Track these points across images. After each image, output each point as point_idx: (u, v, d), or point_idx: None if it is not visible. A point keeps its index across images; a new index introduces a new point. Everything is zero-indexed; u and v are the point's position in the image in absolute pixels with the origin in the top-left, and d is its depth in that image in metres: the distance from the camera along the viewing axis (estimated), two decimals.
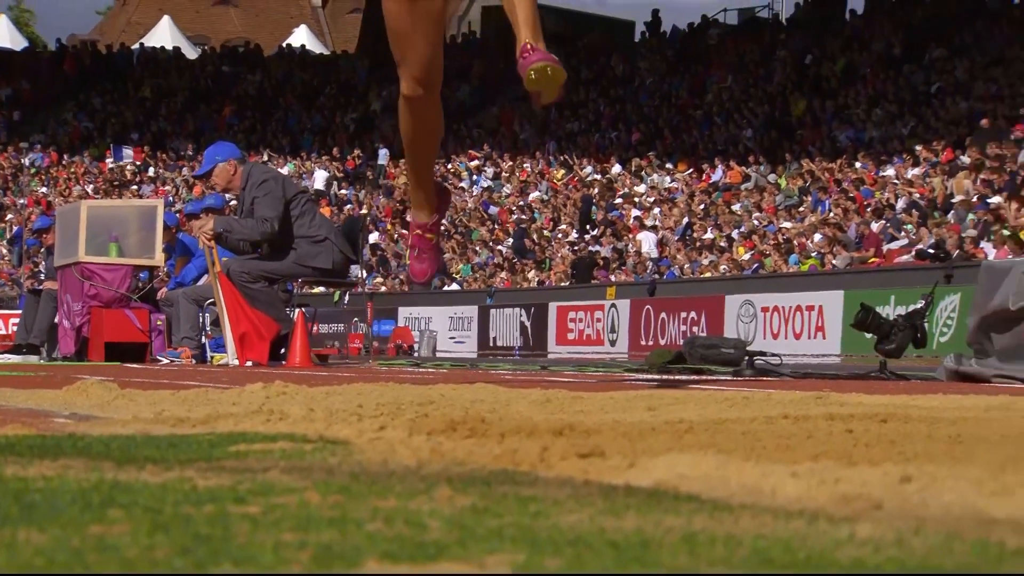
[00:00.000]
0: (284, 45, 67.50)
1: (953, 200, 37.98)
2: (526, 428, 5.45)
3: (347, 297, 40.39)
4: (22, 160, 53.56)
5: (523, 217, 48.35)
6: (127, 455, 4.62)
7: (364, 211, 49.00)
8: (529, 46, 8.44)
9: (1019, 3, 48.61)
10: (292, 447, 4.87)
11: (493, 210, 49.07)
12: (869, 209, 40.14)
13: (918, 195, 39.18)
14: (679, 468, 4.08)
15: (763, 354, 20.72)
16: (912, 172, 40.64)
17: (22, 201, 51.18)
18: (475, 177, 50.67)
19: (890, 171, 41.31)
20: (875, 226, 39.10)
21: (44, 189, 51.04)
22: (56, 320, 24.72)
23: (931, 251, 35.79)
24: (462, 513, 3.00)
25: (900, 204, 39.28)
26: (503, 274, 46.17)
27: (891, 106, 44.61)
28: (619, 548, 2.55)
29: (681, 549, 2.52)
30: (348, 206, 46.45)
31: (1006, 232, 34.75)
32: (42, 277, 34.00)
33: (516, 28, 8.66)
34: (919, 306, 21.49)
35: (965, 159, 39.27)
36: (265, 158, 48.56)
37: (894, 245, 37.88)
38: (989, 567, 2.41)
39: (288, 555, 2.40)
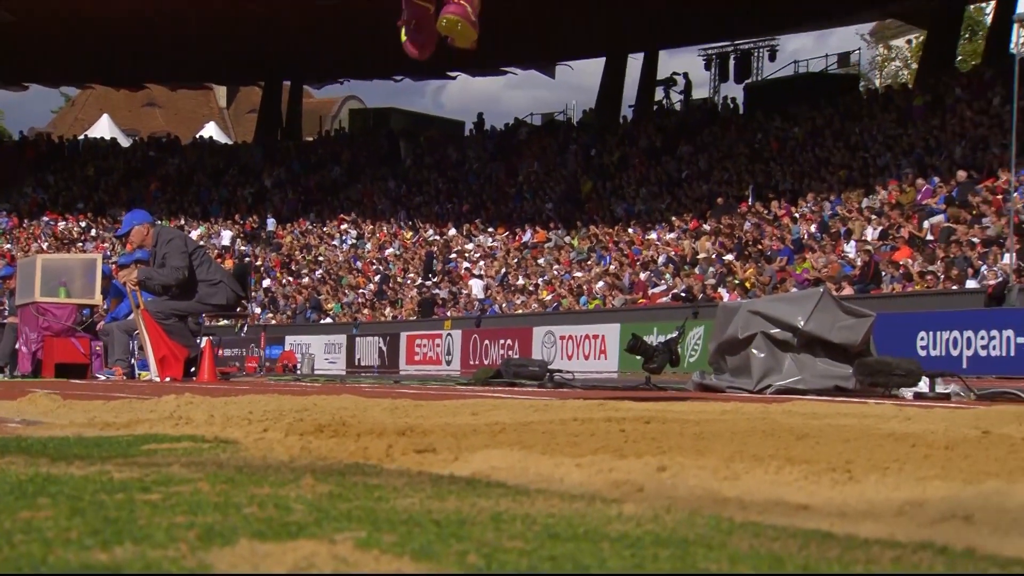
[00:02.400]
0: (197, 136, 66.82)
1: (698, 257, 38.23)
2: (377, 430, 5.42)
3: (245, 328, 40.28)
4: None
5: (380, 268, 48.25)
6: (60, 453, 4.54)
7: (259, 262, 48.61)
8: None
9: (743, 113, 49.35)
10: (192, 446, 4.81)
11: (358, 263, 48.97)
12: (638, 263, 40.35)
13: (673, 253, 39.38)
14: (492, 461, 4.05)
15: (560, 371, 20.76)
16: (669, 236, 40.83)
17: None
18: (344, 237, 50.59)
19: (653, 235, 41.48)
20: (643, 275, 39.28)
21: (8, 245, 50.43)
22: (16, 346, 24.66)
23: (683, 294, 36.05)
24: (321, 498, 2.96)
25: (661, 259, 39.51)
26: (365, 310, 46.03)
27: (653, 187, 44.83)
28: (440, 525, 2.52)
29: (489, 525, 2.49)
30: (247, 258, 46.13)
31: (736, 281, 35.13)
32: (6, 313, 33.56)
33: None
34: (674, 335, 21.58)
35: (706, 227, 39.57)
36: (182, 222, 48.17)
37: (656, 290, 38.06)
38: (720, 537, 2.42)
39: (178, 534, 2.34)
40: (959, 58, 45.17)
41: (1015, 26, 40.18)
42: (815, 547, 2.26)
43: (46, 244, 49.47)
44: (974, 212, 32.31)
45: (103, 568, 1.98)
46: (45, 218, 53.87)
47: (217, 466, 3.88)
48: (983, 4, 47.97)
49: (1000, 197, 31.39)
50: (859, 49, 65.49)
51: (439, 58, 51.97)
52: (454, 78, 63.70)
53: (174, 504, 2.81)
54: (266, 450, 4.62)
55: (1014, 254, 29.09)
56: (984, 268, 29.78)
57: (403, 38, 8.11)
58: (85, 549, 2.19)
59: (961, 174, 34.01)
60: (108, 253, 29.44)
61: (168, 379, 19.35)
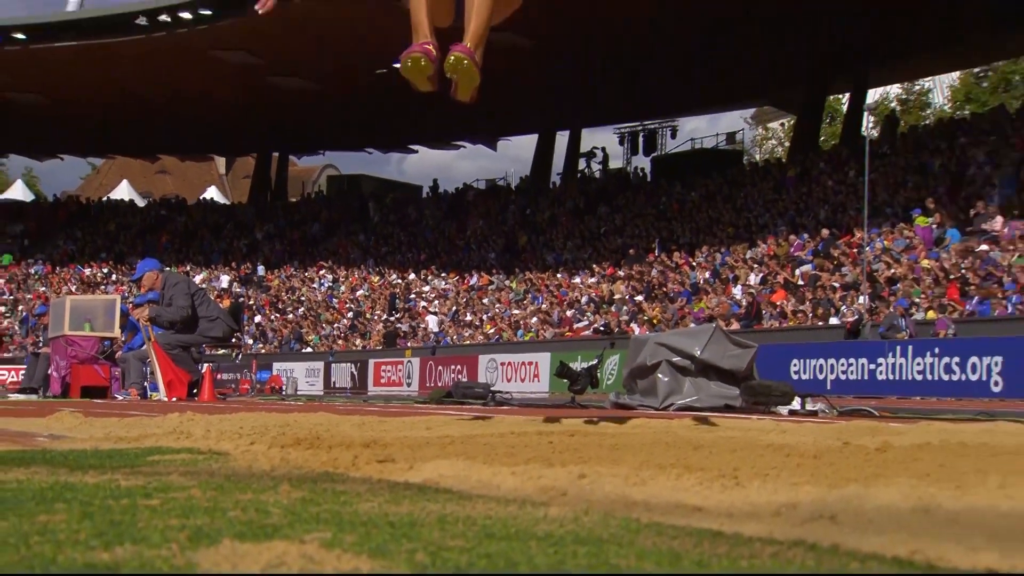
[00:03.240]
0: (201, 198, 66.60)
1: (614, 297, 38.23)
2: (346, 442, 5.37)
3: (239, 355, 39.98)
4: (29, 270, 52.57)
5: (352, 306, 48.09)
6: (78, 463, 4.47)
7: (251, 302, 48.49)
8: (464, 44, 6.86)
9: (650, 181, 49.58)
10: (190, 457, 4.76)
11: (334, 302, 48.81)
12: (565, 302, 40.34)
13: (594, 294, 39.37)
14: (441, 470, 4.01)
15: (501, 392, 20.73)
16: (590, 280, 40.83)
17: (29, 296, 50.11)
18: (322, 281, 50.43)
19: (577, 279, 41.48)
20: (569, 312, 39.26)
21: (43, 288, 50.01)
22: (48, 372, 24.56)
23: (601, 328, 36.06)
24: (295, 503, 2.92)
25: (583, 299, 39.51)
26: (340, 341, 45.85)
27: (577, 240, 44.85)
28: (395, 526, 2.48)
29: (435, 526, 2.46)
30: (241, 298, 46.01)
31: (645, 318, 35.14)
32: (40, 344, 33.40)
33: (464, 33, 6.95)
34: (594, 362, 21.58)
35: (620, 273, 39.59)
36: (188, 268, 48.02)
37: (580, 324, 38.05)
38: (629, 536, 2.40)
39: (171, 535, 2.30)
40: (822, 139, 45.49)
41: (865, 114, 40.68)
42: (707, 544, 2.26)
43: (74, 287, 49.17)
44: (835, 262, 32.50)
45: (104, 567, 1.93)
46: (74, 266, 53.45)
47: (209, 475, 3.84)
48: (840, 96, 48.21)
49: (855, 251, 31.61)
50: (743, 129, 66.21)
51: (402, 134, 51.80)
52: (415, 151, 63.66)
53: (170, 508, 2.78)
54: (252, 460, 4.57)
55: (867, 297, 29.31)
56: (844, 308, 29.95)
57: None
58: (90, 549, 2.16)
59: (825, 232, 34.23)
60: (125, 294, 29.27)
61: (174, 399, 19.25)
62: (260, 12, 7.03)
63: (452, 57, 6.46)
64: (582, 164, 54.57)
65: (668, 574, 1.88)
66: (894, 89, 61.53)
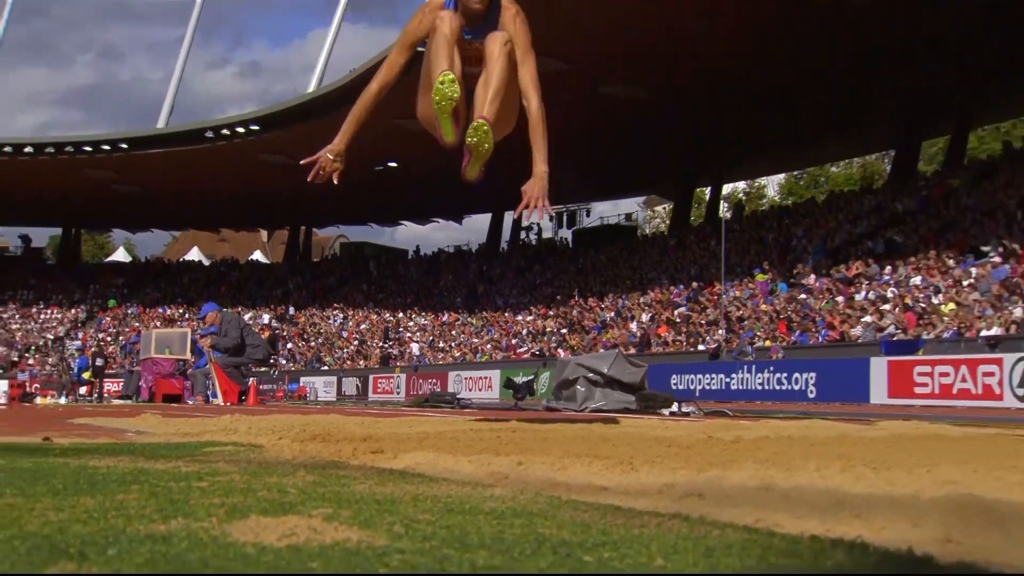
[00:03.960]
0: (249, 259, 66.37)
1: (546, 330, 38.21)
2: (349, 437, 5.29)
3: (275, 372, 39.76)
4: (127, 311, 52.20)
5: (357, 336, 47.88)
6: (153, 453, 4.38)
7: (284, 333, 48.26)
8: (483, 114, 5.53)
9: (571, 247, 49.77)
10: (234, 449, 4.68)
11: (344, 333, 48.59)
12: (511, 334, 40.30)
13: (532, 328, 39.35)
14: (417, 459, 3.94)
15: (464, 399, 20.67)
16: (529, 318, 40.82)
17: (127, 329, 49.81)
18: (335, 318, 50.25)
19: (520, 318, 41.48)
20: (513, 341, 39.20)
21: (137, 324, 49.60)
22: (139, 384, 24.70)
23: (537, 353, 36.00)
24: (307, 485, 2.85)
25: (524, 332, 39.48)
26: (348, 362, 45.61)
27: (520, 290, 44.94)
28: (380, 503, 2.41)
29: (410, 504, 2.39)
30: (276, 331, 45.76)
31: (568, 345, 35.16)
32: (134, 364, 33.40)
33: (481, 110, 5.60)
34: (531, 378, 21.53)
35: (551, 313, 39.57)
36: (240, 309, 47.42)
37: (521, 350, 37.97)
38: (553, 510, 2.33)
39: (213, 510, 2.23)
40: (692, 218, 45.71)
41: (721, 202, 41.43)
42: (610, 516, 2.22)
43: (158, 323, 48.75)
44: (702, 306, 32.64)
45: (160, 536, 1.87)
46: (158, 308, 53.06)
47: (247, 463, 3.76)
48: (704, 189, 48.77)
49: (716, 298, 31.77)
50: (637, 211, 66.27)
51: (393, 213, 51.25)
52: (403, 225, 63.93)
53: (215, 489, 2.71)
54: (279, 452, 4.50)
55: (723, 330, 29.45)
56: (708, 338, 30.07)
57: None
58: (152, 522, 2.09)
59: (694, 284, 34.40)
60: (194, 328, 29.30)
61: (228, 404, 19.09)
62: (310, 180, 6.32)
63: (476, 121, 5.39)
64: (523, 235, 54.69)
65: (580, 540, 1.84)
66: (741, 184, 62.15)
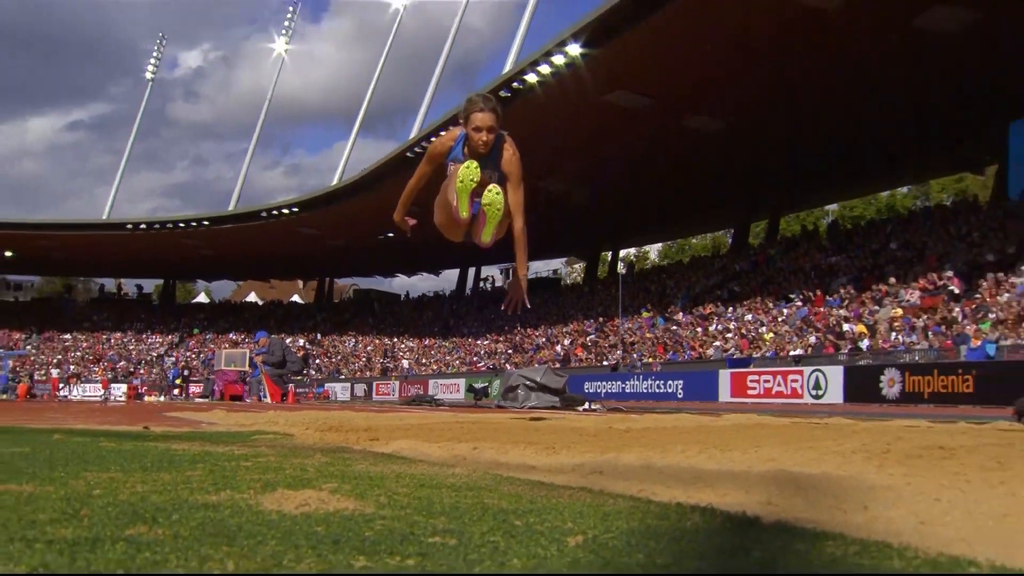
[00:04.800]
0: (289, 300, 65.48)
1: (497, 351, 38.00)
2: (355, 428, 5.17)
3: (307, 379, 39.04)
4: (205, 337, 51.40)
5: (366, 356, 47.27)
6: (216, 440, 4.24)
7: (314, 352, 47.46)
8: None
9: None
10: (274, 437, 4.54)
11: (356, 352, 47.96)
12: (473, 354, 40.02)
13: (487, 350, 39.07)
14: (402, 444, 3.84)
15: (439, 400, 20.45)
16: (485, 343, 40.55)
17: (206, 350, 48.96)
18: (350, 342, 49.52)
19: (479, 342, 41.17)
20: (475, 358, 38.93)
21: (212, 346, 48.71)
22: (213, 387, 24.12)
23: (492, 367, 35.74)
24: (321, 464, 2.74)
25: (482, 352, 39.21)
26: (358, 372, 45.03)
27: (480, 323, 44.64)
28: (371, 479, 2.31)
29: (393, 479, 2.31)
30: (308, 351, 45.07)
31: (513, 362, 34.94)
32: (211, 374, 32.67)
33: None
34: (487, 384, 21.30)
35: (501, 339, 39.34)
36: (283, 335, 46.49)
37: (480, 365, 37.68)
38: (496, 485, 2.24)
39: (252, 484, 2.13)
40: (599, 273, 45.84)
41: (620, 262, 41.49)
42: (537, 489, 2.15)
43: (226, 345, 47.77)
44: (606, 335, 32.67)
45: (212, 504, 1.79)
46: (227, 335, 52.13)
47: (281, 447, 3.66)
48: (607, 253, 48.90)
49: (616, 328, 31.81)
50: (561, 267, 66.36)
51: (391, 268, 50.55)
52: (397, 276, 63.27)
53: (256, 467, 2.61)
54: (305, 439, 4.38)
55: (621, 351, 29.45)
56: (610, 356, 30.06)
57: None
58: (207, 493, 2.00)
59: (601, 319, 34.43)
60: (251, 349, 28.82)
61: (273, 403, 18.75)
62: (407, 231, 5.60)
63: (491, 186, 4.61)
64: (482, 284, 54.47)
65: (514, 508, 1.78)
66: (633, 249, 62.56)
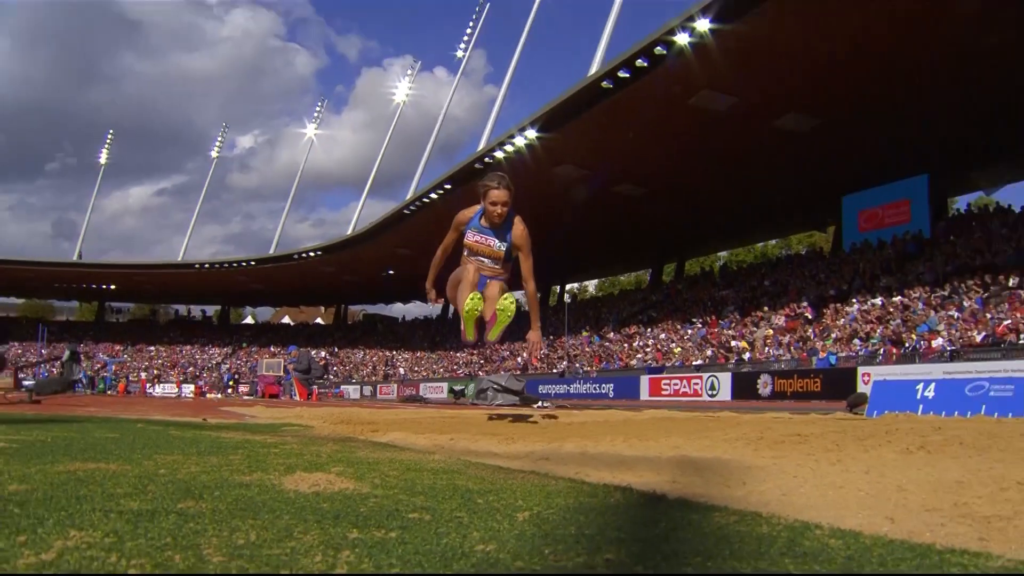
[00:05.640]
0: (314, 322, 64.38)
1: (472, 361, 37.60)
2: (360, 421, 5.04)
3: (327, 382, 38.24)
4: (251, 349, 50.25)
5: (371, 364, 46.44)
6: (255, 429, 4.11)
7: (332, 363, 46.58)
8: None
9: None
10: (298, 428, 4.41)
11: (364, 362, 47.09)
12: (455, 364, 39.55)
13: (465, 360, 38.61)
14: (396, 435, 3.76)
15: (428, 399, 20.15)
16: (463, 355, 40.12)
17: (251, 359, 47.81)
18: (359, 355, 48.67)
19: (458, 355, 40.74)
20: (455, 367, 38.46)
21: (256, 356, 47.64)
22: (257, 388, 23.53)
23: (468, 373, 35.32)
24: (332, 451, 2.65)
25: (461, 362, 38.78)
26: (366, 377, 44.21)
27: (457, 340, 44.19)
28: (370, 464, 2.23)
29: (387, 463, 2.23)
30: (326, 361, 44.26)
31: (484, 369, 34.55)
32: (255, 377, 31.99)
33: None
34: (464, 387, 20.88)
35: (475, 352, 38.98)
36: (309, 348, 45.64)
37: (460, 371, 37.26)
38: (465, 469, 2.16)
39: (277, 467, 2.05)
40: (550, 302, 45.80)
41: (565, 295, 41.42)
42: (497, 473, 2.09)
43: (267, 357, 46.70)
44: (556, 350, 32.59)
45: (245, 484, 1.72)
46: (268, 348, 50.96)
47: (303, 437, 3.55)
48: (556, 287, 48.86)
49: (563, 345, 31.74)
50: (520, 297, 65.92)
51: (391, 297, 49.81)
52: (397, 303, 62.73)
53: (281, 453, 2.52)
54: (322, 430, 4.26)
55: (566, 361, 29.36)
56: (559, 365, 29.95)
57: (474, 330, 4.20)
58: (243, 474, 1.91)
59: (551, 337, 34.40)
60: (286, 359, 28.25)
61: (301, 400, 18.31)
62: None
63: (508, 296, 4.20)
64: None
65: (478, 488, 1.74)
66: (575, 284, 62.61)
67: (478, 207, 4.23)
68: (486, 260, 4.31)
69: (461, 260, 4.33)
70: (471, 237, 4.26)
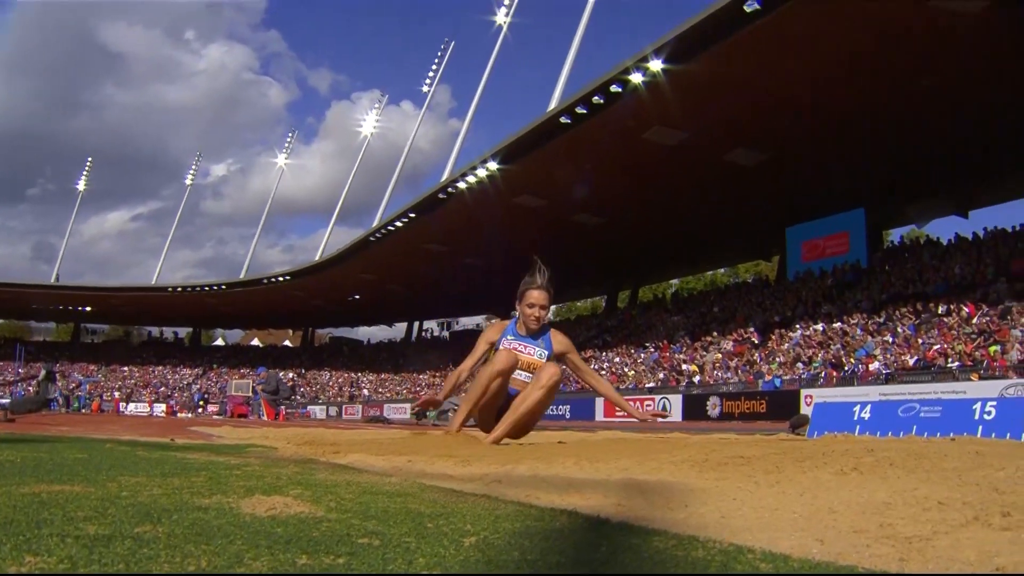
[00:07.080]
0: (282, 344, 62.94)
1: (435, 383, 37.22)
2: (326, 442, 4.92)
3: (294, 403, 37.19)
4: (222, 370, 48.97)
5: (336, 386, 45.61)
6: (219, 451, 3.98)
7: (299, 384, 45.63)
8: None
9: (448, 341, 48.66)
10: (262, 449, 4.28)
11: (330, 384, 46.18)
12: (417, 386, 39.08)
13: (428, 383, 38.24)
14: (356, 457, 3.68)
15: (391, 420, 19.81)
16: (425, 377, 39.73)
17: (221, 380, 46.50)
18: (329, 378, 47.77)
19: (421, 377, 40.33)
20: (417, 389, 38.03)
21: (226, 377, 46.25)
22: (227, 408, 22.97)
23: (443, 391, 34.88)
24: (292, 474, 2.58)
25: (424, 384, 38.37)
26: (332, 398, 43.36)
27: (420, 362, 43.80)
28: (327, 487, 2.18)
29: (344, 487, 2.18)
30: (294, 383, 43.23)
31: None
32: (224, 397, 31.24)
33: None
34: (445, 409, 20.68)
35: (438, 375, 38.56)
36: (277, 369, 44.71)
37: (423, 394, 36.89)
38: (420, 492, 2.11)
39: (237, 490, 1.99)
40: None
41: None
42: (450, 496, 2.05)
43: (236, 377, 45.40)
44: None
45: (203, 507, 1.67)
46: (237, 369, 49.66)
47: (266, 458, 3.45)
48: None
49: None
50: (480, 322, 65.74)
51: (356, 320, 49.27)
52: (362, 327, 61.82)
53: (243, 475, 2.44)
54: (285, 451, 4.15)
55: None
56: None
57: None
58: (203, 497, 1.85)
59: None
60: (254, 380, 27.56)
61: (268, 420, 17.82)
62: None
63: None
64: (424, 334, 53.64)
65: (430, 512, 1.72)
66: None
67: (506, 324, 4.04)
68: (521, 374, 3.98)
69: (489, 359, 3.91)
70: (509, 345, 3.94)
